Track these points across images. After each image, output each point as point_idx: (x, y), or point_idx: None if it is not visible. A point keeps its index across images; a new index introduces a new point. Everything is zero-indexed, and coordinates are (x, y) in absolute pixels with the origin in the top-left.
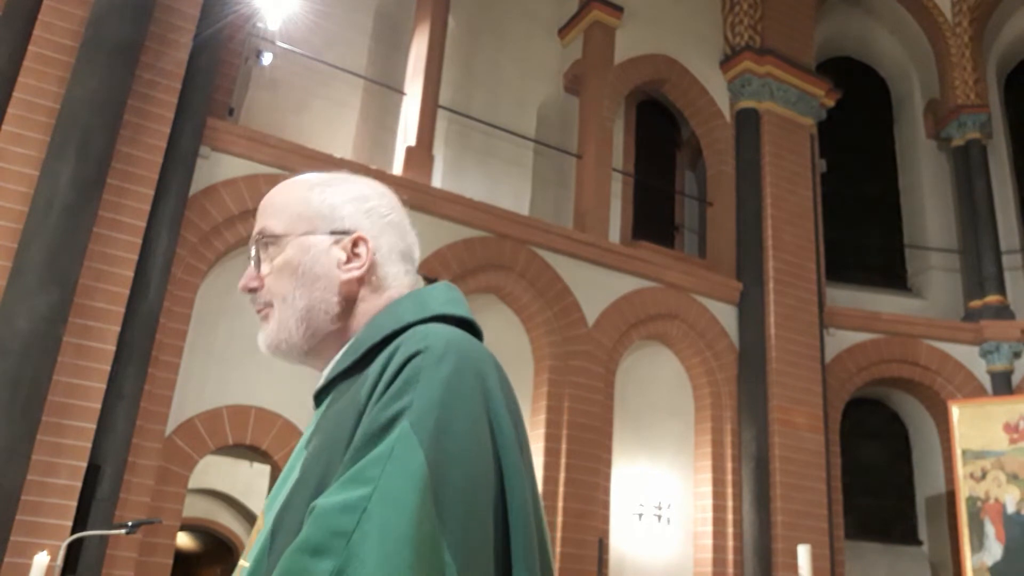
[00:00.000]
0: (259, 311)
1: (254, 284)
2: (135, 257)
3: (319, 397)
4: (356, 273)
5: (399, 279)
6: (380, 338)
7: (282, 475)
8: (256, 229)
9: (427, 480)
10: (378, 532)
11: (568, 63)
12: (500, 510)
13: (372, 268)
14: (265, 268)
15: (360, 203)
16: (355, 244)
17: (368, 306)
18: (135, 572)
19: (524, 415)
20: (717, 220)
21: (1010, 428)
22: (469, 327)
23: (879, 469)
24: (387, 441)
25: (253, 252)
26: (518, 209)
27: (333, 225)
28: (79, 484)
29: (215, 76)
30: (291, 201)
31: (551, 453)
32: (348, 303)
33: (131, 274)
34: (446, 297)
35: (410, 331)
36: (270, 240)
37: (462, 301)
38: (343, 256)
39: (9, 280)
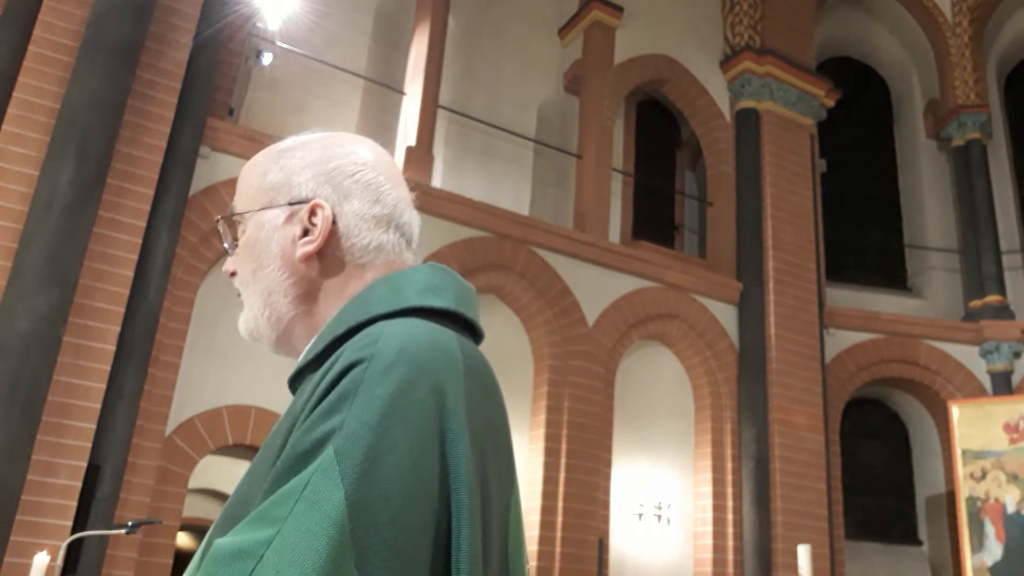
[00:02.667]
0: (239, 296)
1: (232, 267)
2: (135, 257)
3: (293, 384)
4: (310, 248)
5: (368, 254)
6: (344, 330)
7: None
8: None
9: (343, 525)
10: None
11: (568, 63)
12: (444, 560)
13: (334, 240)
14: (236, 250)
15: (321, 165)
16: (313, 213)
17: (335, 285)
18: (135, 572)
19: (524, 415)
20: (717, 220)
21: (1010, 428)
22: (457, 320)
23: (879, 469)
24: (305, 472)
25: (222, 234)
26: (518, 209)
27: (291, 195)
28: (79, 484)
29: (215, 76)
30: (254, 174)
31: (551, 453)
32: (309, 283)
33: (131, 274)
34: (427, 283)
35: (364, 331)
36: (236, 218)
37: (448, 287)
38: (298, 230)
39: (9, 280)
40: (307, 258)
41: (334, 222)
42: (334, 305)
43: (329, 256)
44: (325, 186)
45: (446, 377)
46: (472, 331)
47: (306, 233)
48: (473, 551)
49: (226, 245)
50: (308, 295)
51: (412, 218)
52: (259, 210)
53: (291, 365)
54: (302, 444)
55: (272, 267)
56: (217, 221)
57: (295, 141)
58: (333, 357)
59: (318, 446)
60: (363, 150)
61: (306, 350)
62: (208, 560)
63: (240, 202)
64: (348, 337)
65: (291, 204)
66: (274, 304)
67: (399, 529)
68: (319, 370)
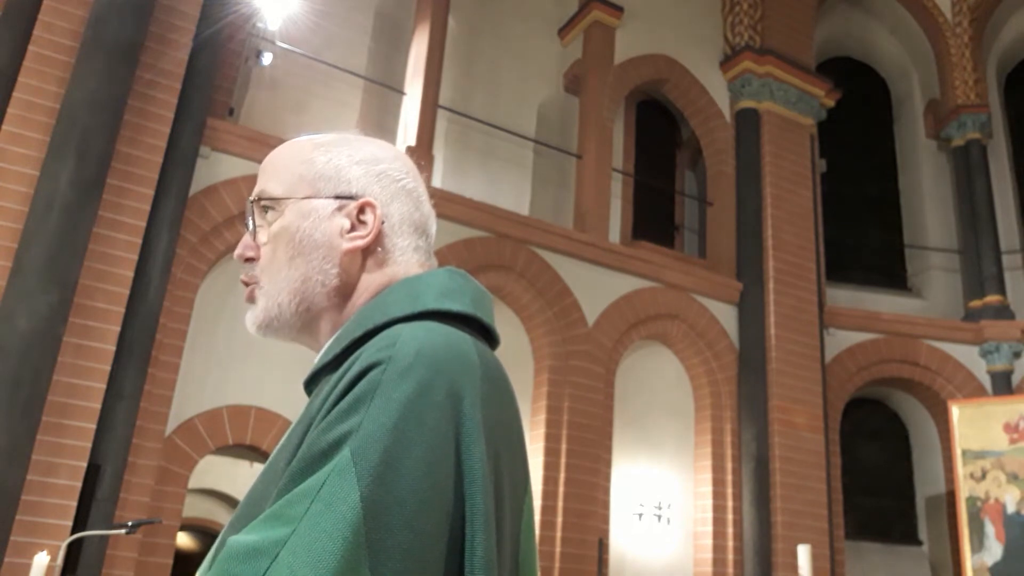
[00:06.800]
0: (246, 282)
1: (250, 253)
2: (135, 257)
3: (309, 386)
4: (360, 243)
5: (406, 255)
6: (362, 332)
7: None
8: (254, 191)
9: (358, 527)
10: None
11: (568, 63)
12: (458, 565)
13: (379, 238)
14: (262, 236)
15: (370, 165)
16: (361, 210)
17: (369, 282)
18: (135, 572)
19: (524, 416)
20: (717, 220)
21: (1010, 428)
22: (473, 324)
23: (879, 469)
24: (321, 472)
25: (249, 216)
26: (518, 209)
27: (338, 189)
28: (79, 484)
29: (215, 76)
30: (293, 161)
31: (551, 453)
32: (348, 276)
33: (131, 274)
34: (444, 287)
35: (382, 333)
36: (268, 204)
37: (464, 291)
38: (346, 223)
39: (9, 280)
40: (352, 252)
41: (382, 222)
42: (363, 302)
43: (371, 252)
44: (374, 186)
45: (463, 381)
46: (487, 335)
47: (352, 228)
48: (488, 556)
49: (256, 227)
50: (343, 288)
51: (435, 229)
52: (303, 198)
53: (293, 365)
54: (319, 444)
55: (316, 255)
56: (251, 202)
57: (335, 137)
58: (351, 359)
59: (335, 447)
60: (404, 159)
61: (323, 351)
62: (222, 557)
63: (276, 188)
64: (366, 339)
65: (339, 198)
66: (308, 292)
67: (413, 532)
68: (337, 371)
